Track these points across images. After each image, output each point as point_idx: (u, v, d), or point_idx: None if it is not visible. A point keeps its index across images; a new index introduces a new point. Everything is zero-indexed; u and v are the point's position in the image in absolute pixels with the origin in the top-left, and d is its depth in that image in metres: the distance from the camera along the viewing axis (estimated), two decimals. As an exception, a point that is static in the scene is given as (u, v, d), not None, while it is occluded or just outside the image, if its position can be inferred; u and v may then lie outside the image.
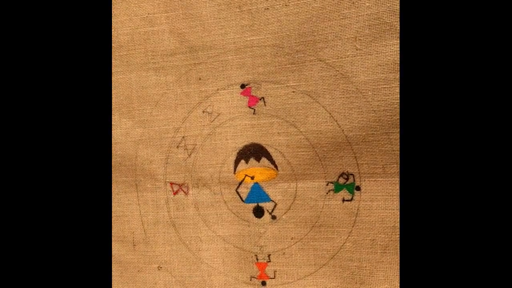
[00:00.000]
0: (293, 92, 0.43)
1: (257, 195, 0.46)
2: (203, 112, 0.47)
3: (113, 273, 0.51)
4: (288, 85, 0.44)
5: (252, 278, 0.47)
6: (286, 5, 0.42)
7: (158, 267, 0.50)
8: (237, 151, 0.46)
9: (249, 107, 0.45)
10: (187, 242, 0.48)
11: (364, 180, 0.43)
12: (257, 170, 0.46)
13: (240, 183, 0.46)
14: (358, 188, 0.43)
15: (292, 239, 0.45)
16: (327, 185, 0.44)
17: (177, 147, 0.48)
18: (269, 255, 0.46)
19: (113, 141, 0.49)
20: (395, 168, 0.41)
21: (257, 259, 0.47)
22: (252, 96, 0.45)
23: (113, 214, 0.50)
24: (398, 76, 0.39)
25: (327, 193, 0.44)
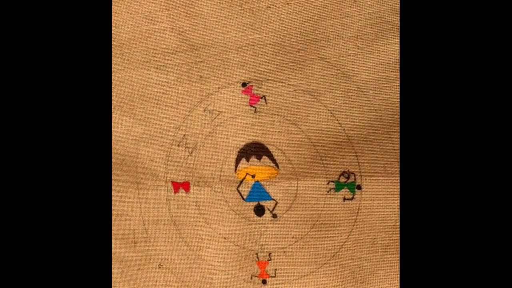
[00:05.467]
0: (295, 90, 0.43)
1: (258, 193, 0.46)
2: (204, 110, 0.47)
3: (113, 271, 0.51)
4: (290, 83, 0.43)
5: (253, 277, 0.47)
6: (287, 4, 0.42)
7: (158, 265, 0.50)
8: (238, 149, 0.46)
9: (250, 105, 0.45)
10: (188, 240, 0.48)
11: (365, 179, 0.42)
12: (258, 169, 0.46)
13: (241, 182, 0.46)
14: (359, 187, 0.43)
15: (292, 237, 0.45)
16: (328, 184, 0.44)
17: (178, 145, 0.48)
18: (269, 254, 0.46)
19: (114, 140, 0.49)
20: (396, 167, 0.41)
21: (257, 258, 0.47)
22: (253, 94, 0.45)
23: (114, 212, 0.50)
24: (399, 75, 0.39)
25: (328, 192, 0.44)
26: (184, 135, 0.47)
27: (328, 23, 0.41)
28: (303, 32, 0.42)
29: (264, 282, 0.47)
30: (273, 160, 0.45)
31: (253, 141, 0.45)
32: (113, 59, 0.48)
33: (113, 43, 0.48)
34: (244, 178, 0.46)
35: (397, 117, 0.40)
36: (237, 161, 0.46)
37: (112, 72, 0.49)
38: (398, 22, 0.39)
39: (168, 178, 0.48)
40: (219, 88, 0.46)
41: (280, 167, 0.45)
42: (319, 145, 0.43)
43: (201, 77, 0.46)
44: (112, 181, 0.50)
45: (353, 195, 0.43)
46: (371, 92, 0.41)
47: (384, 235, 0.42)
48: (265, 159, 0.45)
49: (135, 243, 0.50)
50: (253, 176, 0.46)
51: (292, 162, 0.44)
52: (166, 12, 0.46)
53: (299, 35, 0.42)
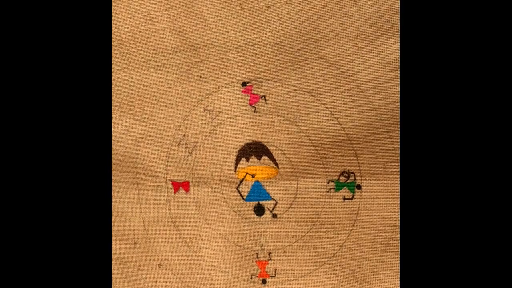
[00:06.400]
0: (294, 90, 0.43)
1: (258, 193, 0.46)
2: (204, 110, 0.47)
3: (113, 271, 0.51)
4: (289, 83, 0.43)
5: (253, 276, 0.47)
6: (287, 3, 0.42)
7: (158, 265, 0.50)
8: (238, 149, 0.46)
9: (250, 105, 0.45)
10: (188, 240, 0.48)
11: (365, 179, 0.42)
12: (258, 168, 0.46)
13: (241, 181, 0.46)
14: (359, 187, 0.43)
15: (292, 237, 0.45)
16: (328, 183, 0.44)
17: (178, 145, 0.48)
18: (269, 253, 0.46)
19: (114, 139, 0.49)
20: (396, 167, 0.41)
21: (257, 257, 0.47)
22: (253, 94, 0.45)
23: (113, 212, 0.50)
24: (399, 74, 0.39)
25: (328, 192, 0.44)
26: (184, 135, 0.47)
27: (327, 22, 0.41)
28: (303, 32, 0.42)
29: (264, 281, 0.47)
30: (273, 160, 0.45)
31: (253, 140, 0.45)
32: (112, 59, 0.48)
33: (112, 42, 0.48)
34: (244, 177, 0.46)
35: (397, 116, 0.40)
36: (237, 160, 0.46)
37: (112, 72, 0.49)
38: (397, 22, 0.39)
39: (168, 178, 0.48)
40: (219, 87, 0.46)
41: (280, 166, 0.45)
42: (319, 144, 0.43)
43: (201, 77, 0.46)
44: (112, 180, 0.50)
45: (353, 195, 0.43)
46: (371, 91, 0.41)
47: (384, 234, 0.42)
48: (265, 158, 0.45)
49: (135, 242, 0.50)
50: (253, 176, 0.46)
51: (292, 161, 0.44)
52: (166, 12, 0.46)
53: (299, 34, 0.42)
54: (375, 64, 0.40)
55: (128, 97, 0.49)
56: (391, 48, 0.40)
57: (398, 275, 0.42)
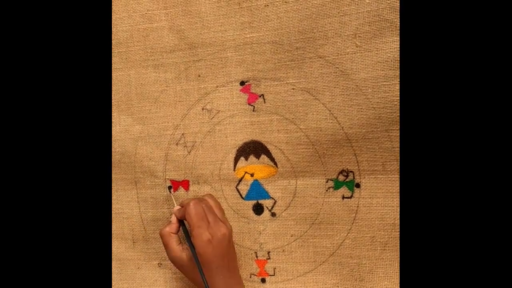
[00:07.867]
0: (293, 89, 0.43)
1: (257, 192, 0.46)
2: (203, 109, 0.46)
3: (112, 271, 0.51)
4: (288, 82, 0.43)
5: (252, 275, 0.47)
6: (286, 2, 0.42)
7: (158, 264, 0.50)
8: (237, 148, 0.46)
9: (248, 104, 0.45)
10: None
11: (364, 177, 0.42)
12: (256, 167, 0.46)
13: (240, 180, 0.46)
14: (357, 185, 0.43)
15: (291, 236, 0.45)
16: (326, 182, 0.44)
17: (177, 144, 0.48)
18: (268, 252, 0.46)
19: (112, 139, 0.49)
20: (395, 165, 0.41)
21: (256, 256, 0.47)
22: (252, 93, 0.45)
23: (112, 212, 0.50)
24: (398, 73, 0.39)
25: (326, 190, 0.44)
26: (182, 134, 0.47)
27: (326, 21, 0.41)
28: (301, 31, 0.42)
29: (263, 281, 0.47)
30: (272, 159, 0.45)
31: (251, 139, 0.45)
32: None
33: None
34: (243, 176, 0.46)
35: (396, 115, 0.40)
36: (236, 159, 0.46)
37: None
38: (396, 20, 0.39)
39: (167, 177, 0.48)
40: (217, 86, 0.46)
41: (278, 165, 0.45)
42: (318, 143, 0.43)
43: (199, 76, 0.46)
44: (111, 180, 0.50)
45: (352, 193, 0.43)
46: (369, 90, 0.41)
47: (383, 233, 0.42)
48: (263, 157, 0.45)
49: (134, 242, 0.50)
50: (252, 175, 0.46)
51: (290, 160, 0.44)
52: (164, 11, 0.46)
53: (298, 33, 0.42)
54: (374, 63, 0.40)
55: (126, 96, 0.48)
56: (390, 46, 0.39)
57: (397, 273, 0.42)
